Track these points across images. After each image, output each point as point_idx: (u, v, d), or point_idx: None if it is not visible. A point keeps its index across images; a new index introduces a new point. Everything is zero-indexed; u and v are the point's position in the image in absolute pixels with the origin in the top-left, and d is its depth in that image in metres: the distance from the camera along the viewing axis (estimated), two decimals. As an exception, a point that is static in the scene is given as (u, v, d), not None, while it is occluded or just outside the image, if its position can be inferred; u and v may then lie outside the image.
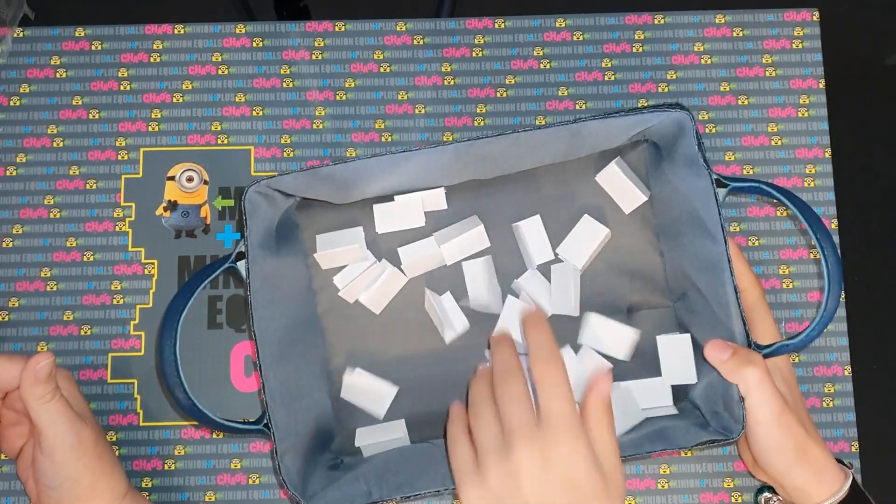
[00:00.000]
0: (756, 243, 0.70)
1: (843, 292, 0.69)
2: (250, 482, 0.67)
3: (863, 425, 0.69)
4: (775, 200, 0.60)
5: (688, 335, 0.63)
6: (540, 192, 0.67)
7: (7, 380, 0.55)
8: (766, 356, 0.57)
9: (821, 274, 0.70)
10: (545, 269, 0.67)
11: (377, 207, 0.66)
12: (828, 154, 0.72)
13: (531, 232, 0.66)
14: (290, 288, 0.63)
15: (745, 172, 0.71)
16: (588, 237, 0.65)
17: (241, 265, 0.58)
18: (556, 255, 0.66)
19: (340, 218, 0.66)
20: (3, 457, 0.67)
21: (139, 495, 0.60)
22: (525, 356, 0.64)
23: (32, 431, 0.57)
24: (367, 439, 0.63)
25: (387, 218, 0.66)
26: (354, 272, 0.65)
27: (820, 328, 0.56)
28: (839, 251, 0.58)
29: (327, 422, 0.64)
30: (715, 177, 0.59)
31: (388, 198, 0.66)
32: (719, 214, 0.58)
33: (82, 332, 0.69)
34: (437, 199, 0.66)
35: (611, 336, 0.64)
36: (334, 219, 0.66)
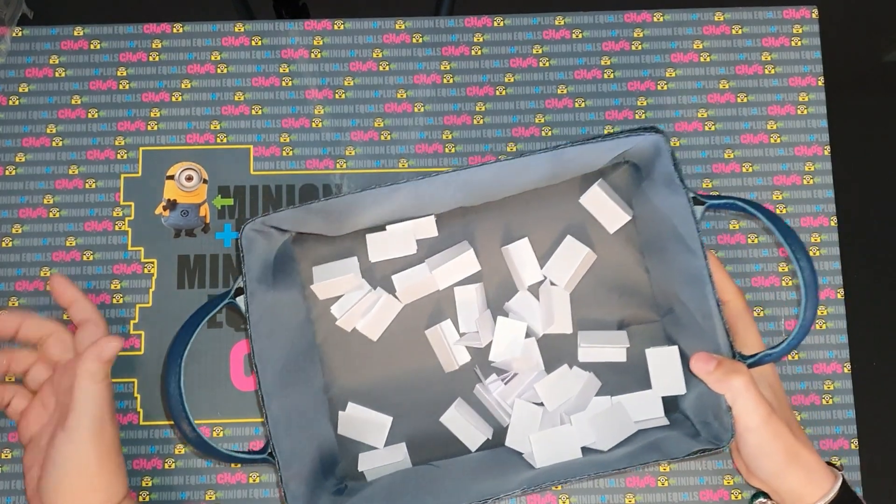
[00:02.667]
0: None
1: (843, 292, 0.69)
2: (251, 481, 0.67)
3: (862, 422, 0.69)
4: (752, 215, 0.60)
5: (675, 347, 0.64)
6: (527, 216, 0.69)
7: (36, 330, 0.60)
8: (750, 366, 0.58)
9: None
10: (535, 290, 0.68)
11: (370, 237, 0.67)
12: (827, 151, 0.72)
13: (520, 254, 0.67)
14: (289, 319, 0.65)
15: (744, 170, 0.71)
16: (571, 257, 0.67)
17: (240, 300, 0.60)
18: (544, 276, 0.68)
19: (335, 249, 0.68)
20: (3, 456, 0.67)
21: (134, 502, 0.61)
22: (511, 374, 0.65)
23: (52, 420, 0.59)
24: (370, 464, 0.65)
25: (379, 247, 0.67)
26: (351, 301, 0.67)
27: (800, 337, 0.57)
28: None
29: (330, 448, 0.65)
30: (692, 195, 0.60)
31: (380, 227, 0.67)
32: (697, 230, 0.59)
33: (82, 332, 0.69)
34: (428, 227, 0.67)
35: (607, 344, 0.66)
36: (329, 250, 0.68)
